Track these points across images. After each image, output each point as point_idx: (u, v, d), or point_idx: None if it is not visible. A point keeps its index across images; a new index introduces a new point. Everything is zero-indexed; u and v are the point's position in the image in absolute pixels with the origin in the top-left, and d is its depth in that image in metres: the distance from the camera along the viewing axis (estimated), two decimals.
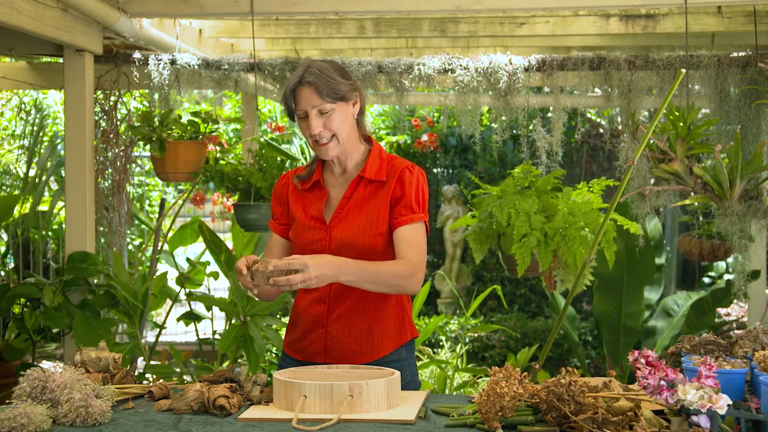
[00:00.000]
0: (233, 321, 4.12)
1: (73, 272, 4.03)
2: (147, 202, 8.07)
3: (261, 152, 4.13)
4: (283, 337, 3.09)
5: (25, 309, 4.03)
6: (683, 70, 2.83)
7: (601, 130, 7.78)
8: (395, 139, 8.13)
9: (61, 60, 4.70)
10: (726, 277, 7.95)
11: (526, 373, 1.97)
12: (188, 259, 4.85)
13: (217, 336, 4.76)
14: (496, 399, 1.87)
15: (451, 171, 8.45)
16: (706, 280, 8.34)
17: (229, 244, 5.38)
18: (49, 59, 5.40)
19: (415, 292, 2.41)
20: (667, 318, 6.20)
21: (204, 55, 4.67)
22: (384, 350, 2.45)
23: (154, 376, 4.13)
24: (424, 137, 7.89)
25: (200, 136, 4.20)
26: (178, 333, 7.63)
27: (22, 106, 7.19)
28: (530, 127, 4.42)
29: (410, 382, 2.48)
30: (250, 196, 3.99)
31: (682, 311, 6.12)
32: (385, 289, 2.36)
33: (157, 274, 4.52)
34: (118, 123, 4.55)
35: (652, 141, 2.88)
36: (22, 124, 7.12)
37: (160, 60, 4.42)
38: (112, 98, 4.55)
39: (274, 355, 5.48)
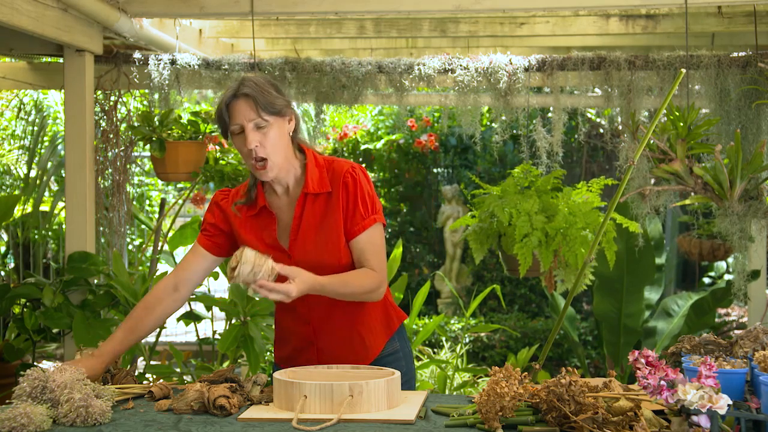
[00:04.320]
0: (233, 321, 4.12)
1: (73, 272, 4.02)
2: (147, 202, 8.07)
3: None
4: None
5: (25, 309, 4.03)
6: (683, 70, 2.82)
7: (601, 130, 7.78)
8: (394, 138, 8.13)
9: (61, 60, 4.70)
10: (726, 277, 7.94)
11: (526, 373, 1.97)
12: None
13: (217, 336, 4.76)
14: (496, 399, 1.87)
15: (451, 171, 8.45)
16: (706, 280, 8.34)
17: None
18: (49, 59, 5.39)
19: (378, 300, 2.41)
20: (667, 318, 6.19)
21: (204, 55, 4.67)
22: (377, 347, 2.45)
23: (154, 376, 4.13)
24: (424, 137, 7.89)
25: (200, 136, 4.20)
26: (178, 333, 7.63)
27: (22, 106, 7.19)
28: (530, 127, 4.42)
29: (407, 372, 2.49)
30: None
31: (682, 311, 6.12)
32: (352, 299, 2.37)
33: (157, 274, 4.52)
34: (118, 123, 4.55)
35: (652, 141, 2.88)
36: (23, 125, 7.12)
37: (160, 60, 4.42)
38: (112, 98, 4.55)
39: (274, 355, 5.47)
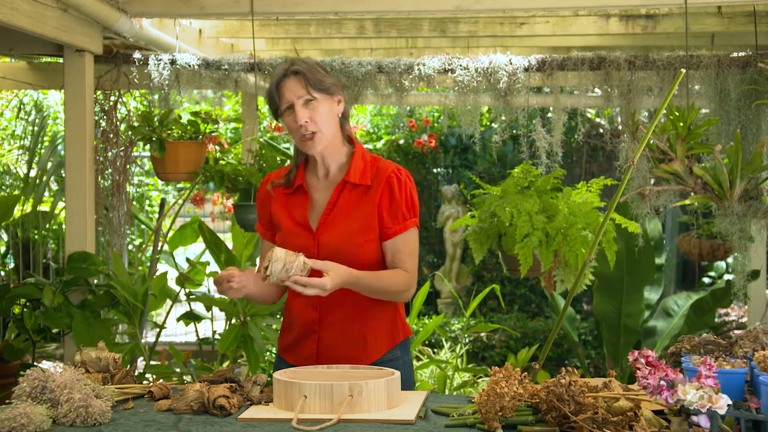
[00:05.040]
0: (233, 321, 4.12)
1: (73, 272, 4.02)
2: (147, 202, 8.07)
3: (261, 152, 4.14)
4: None
5: (25, 309, 4.03)
6: (683, 70, 2.82)
7: (601, 130, 7.78)
8: (394, 138, 8.14)
9: (61, 60, 4.70)
10: (726, 277, 7.95)
11: (526, 373, 1.97)
12: (188, 259, 4.84)
13: (217, 336, 4.76)
14: (496, 399, 1.87)
15: (451, 171, 8.45)
16: (706, 280, 8.34)
17: (229, 244, 5.38)
18: (49, 59, 5.40)
19: (405, 300, 2.45)
20: (667, 318, 6.20)
21: (204, 55, 4.67)
22: (377, 353, 2.45)
23: (154, 376, 4.13)
24: (424, 137, 7.89)
25: (200, 136, 4.20)
26: (178, 333, 7.63)
27: (22, 106, 7.19)
28: (530, 128, 4.42)
29: (405, 380, 2.48)
30: (250, 196, 4.00)
31: (682, 311, 6.12)
32: (382, 299, 2.41)
33: (157, 274, 4.52)
34: (118, 123, 4.55)
35: (652, 141, 2.88)
36: (23, 125, 7.12)
37: (160, 60, 4.42)
38: (112, 98, 4.55)
39: (273, 355, 5.49)
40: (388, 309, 2.47)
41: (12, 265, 6.52)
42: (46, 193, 6.74)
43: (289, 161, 4.27)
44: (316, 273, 2.23)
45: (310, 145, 2.37)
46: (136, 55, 4.50)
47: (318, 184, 2.47)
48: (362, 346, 2.44)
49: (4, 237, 6.56)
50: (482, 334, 7.17)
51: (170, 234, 5.07)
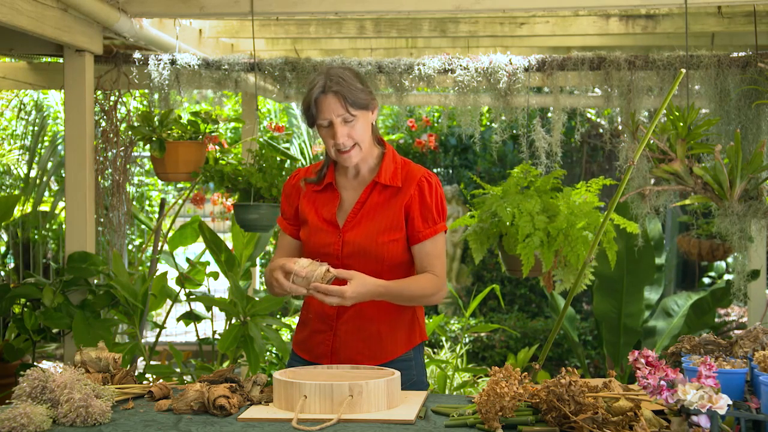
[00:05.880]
0: (233, 321, 4.12)
1: (73, 272, 4.02)
2: (147, 202, 8.07)
3: (261, 152, 4.14)
4: (283, 338, 3.10)
5: (25, 309, 4.02)
6: (683, 70, 2.82)
7: (601, 130, 7.79)
8: (394, 138, 8.13)
9: (61, 60, 4.70)
10: (726, 277, 7.94)
11: (526, 373, 1.97)
12: (188, 259, 4.85)
13: (217, 336, 4.76)
14: (496, 399, 1.87)
15: (451, 171, 8.45)
16: (706, 280, 8.34)
17: (229, 244, 5.39)
18: (49, 59, 5.40)
19: (437, 303, 2.47)
20: (667, 318, 6.19)
21: (204, 55, 4.67)
22: (392, 354, 2.46)
23: (154, 376, 4.13)
24: (424, 137, 7.88)
25: (200, 136, 4.20)
26: (178, 333, 7.63)
27: (22, 106, 7.19)
28: (530, 128, 4.42)
29: (417, 382, 2.48)
30: (250, 196, 4.00)
31: (682, 311, 6.12)
32: (411, 304, 2.44)
33: (157, 274, 4.52)
34: (118, 123, 4.55)
35: (652, 141, 2.88)
36: (23, 125, 7.12)
37: (160, 60, 4.42)
38: (112, 98, 4.55)
39: (274, 355, 5.49)
40: (408, 311, 2.48)
41: (12, 265, 6.52)
42: (46, 193, 6.74)
43: (289, 161, 4.27)
44: (342, 283, 2.25)
45: (346, 158, 2.40)
46: (136, 55, 4.50)
47: (348, 184, 2.50)
48: (378, 345, 2.44)
49: (4, 237, 6.57)
50: (482, 334, 7.17)
51: (170, 234, 5.07)
